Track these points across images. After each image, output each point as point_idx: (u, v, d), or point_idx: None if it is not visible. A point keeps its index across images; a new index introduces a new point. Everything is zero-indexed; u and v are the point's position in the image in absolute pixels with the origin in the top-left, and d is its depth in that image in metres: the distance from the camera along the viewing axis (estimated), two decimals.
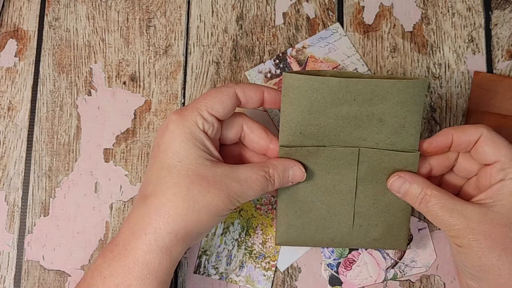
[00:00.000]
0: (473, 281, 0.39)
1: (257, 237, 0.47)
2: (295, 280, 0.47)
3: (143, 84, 0.51)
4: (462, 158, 0.42)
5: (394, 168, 0.41)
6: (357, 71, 0.50)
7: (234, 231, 0.48)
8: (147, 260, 0.37)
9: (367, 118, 0.40)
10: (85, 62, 0.51)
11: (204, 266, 0.47)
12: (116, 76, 0.51)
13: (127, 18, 0.52)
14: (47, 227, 0.48)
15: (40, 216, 0.48)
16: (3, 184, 0.49)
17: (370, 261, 0.47)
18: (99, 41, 0.51)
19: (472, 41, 0.51)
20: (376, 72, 0.50)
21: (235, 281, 0.47)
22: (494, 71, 0.50)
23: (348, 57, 0.51)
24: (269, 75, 0.50)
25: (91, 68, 0.51)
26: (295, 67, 0.50)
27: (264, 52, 0.51)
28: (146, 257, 0.37)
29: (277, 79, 0.50)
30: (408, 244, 0.46)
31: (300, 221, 0.43)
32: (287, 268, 0.47)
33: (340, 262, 0.47)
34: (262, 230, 0.48)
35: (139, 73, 0.51)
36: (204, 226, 0.39)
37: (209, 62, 0.51)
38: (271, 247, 0.47)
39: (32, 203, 0.49)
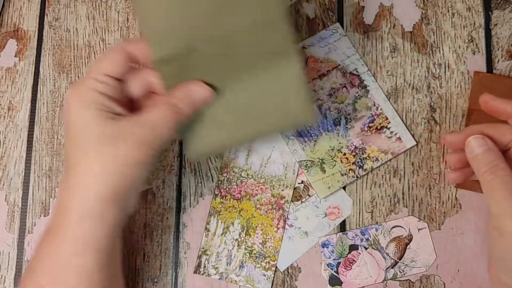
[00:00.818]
0: (506, 275, 0.37)
1: (257, 237, 0.47)
2: (295, 280, 0.47)
3: None
4: None
5: (269, 44, 0.39)
6: (356, 71, 0.50)
7: (234, 231, 0.48)
8: (79, 232, 0.37)
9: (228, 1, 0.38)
10: (85, 62, 0.51)
11: (204, 266, 0.47)
12: None
13: (127, 18, 0.52)
14: None
15: (40, 216, 0.48)
16: (3, 184, 0.49)
17: (370, 261, 0.47)
18: (99, 41, 0.51)
19: (472, 41, 0.51)
20: (376, 72, 0.50)
21: (235, 281, 0.47)
22: (494, 71, 0.50)
23: (348, 57, 0.51)
24: None
25: None
26: None
27: None
28: (78, 229, 0.37)
29: None
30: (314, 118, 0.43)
31: (200, 125, 0.42)
32: (287, 268, 0.47)
33: (340, 262, 0.47)
34: (262, 230, 0.48)
35: None
36: (129, 180, 0.38)
37: None
38: (271, 247, 0.47)
39: (32, 203, 0.49)
